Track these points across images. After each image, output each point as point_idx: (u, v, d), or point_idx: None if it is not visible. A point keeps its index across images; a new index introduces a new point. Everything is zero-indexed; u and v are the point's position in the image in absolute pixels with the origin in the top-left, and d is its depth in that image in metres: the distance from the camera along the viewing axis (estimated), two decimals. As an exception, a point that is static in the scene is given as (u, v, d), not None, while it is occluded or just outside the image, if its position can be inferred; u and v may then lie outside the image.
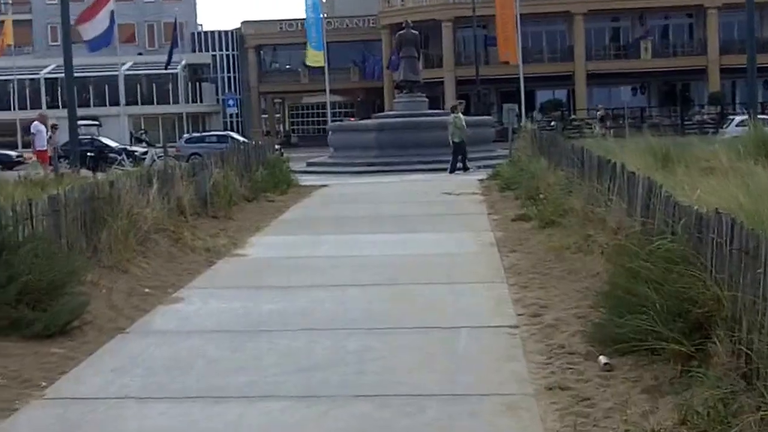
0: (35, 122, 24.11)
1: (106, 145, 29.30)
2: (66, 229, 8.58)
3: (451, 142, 23.47)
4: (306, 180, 21.16)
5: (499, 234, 11.81)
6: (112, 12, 40.56)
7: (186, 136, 42.53)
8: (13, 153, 41.45)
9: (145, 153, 23.59)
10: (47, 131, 23.67)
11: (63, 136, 25.42)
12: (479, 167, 23.60)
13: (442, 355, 6.25)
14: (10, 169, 32.70)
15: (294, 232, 12.40)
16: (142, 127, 44.09)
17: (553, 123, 47.61)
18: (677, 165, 12.22)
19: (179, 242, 10.70)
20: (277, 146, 43.39)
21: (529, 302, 7.88)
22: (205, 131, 52.69)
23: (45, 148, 23.11)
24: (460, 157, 23.61)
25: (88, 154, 20.07)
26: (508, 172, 18.02)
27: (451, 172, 23.00)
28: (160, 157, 21.46)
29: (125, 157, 18.83)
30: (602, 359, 5.94)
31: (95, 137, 33.70)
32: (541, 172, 14.66)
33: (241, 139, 39.20)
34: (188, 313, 7.72)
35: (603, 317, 6.59)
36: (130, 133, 20.79)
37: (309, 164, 28.05)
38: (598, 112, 48.20)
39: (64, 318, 6.94)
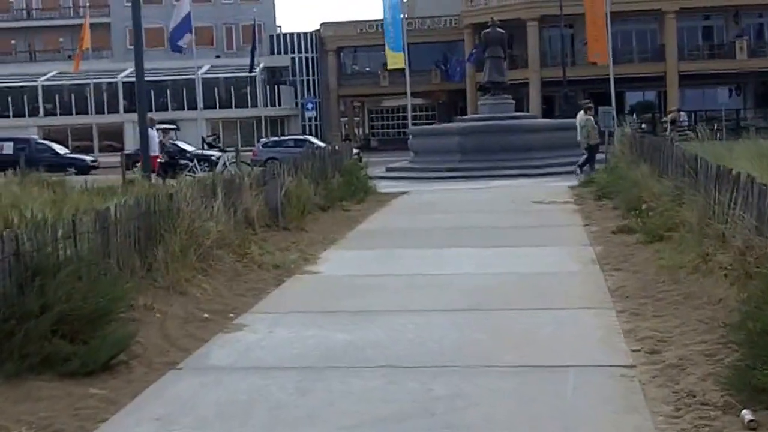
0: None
1: (182, 150, 28.57)
2: (116, 248, 7.67)
3: (585, 145, 21.76)
4: (385, 186, 20.13)
5: (599, 249, 10.62)
6: (188, 14, 40.26)
7: (263, 140, 41.87)
8: (88, 158, 41.33)
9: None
10: (158, 136, 22.78)
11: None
12: (570, 173, 22.30)
13: (547, 405, 5.16)
14: (85, 173, 32.42)
15: (370, 246, 11.36)
16: (219, 131, 43.62)
17: (643, 125, 45.79)
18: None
19: (245, 258, 9.75)
20: (355, 150, 42.63)
21: (643, 334, 6.72)
22: (283, 135, 52.12)
23: (156, 154, 22.16)
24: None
25: (158, 160, 19.31)
26: (604, 178, 16.74)
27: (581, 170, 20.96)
28: (233, 162, 20.62)
29: (197, 163, 18.06)
30: (746, 414, 4.79)
31: (173, 141, 33.15)
32: (643, 180, 13.38)
33: (319, 143, 38.40)
34: (250, 343, 6.73)
35: (739, 358, 5.46)
36: (201, 137, 20.24)
37: (389, 169, 27.03)
38: (670, 114, 46.15)
39: (107, 352, 6.01)
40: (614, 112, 29.80)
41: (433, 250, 10.75)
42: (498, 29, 27.77)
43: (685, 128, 38.61)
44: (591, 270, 9.39)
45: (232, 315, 7.63)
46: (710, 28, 59.11)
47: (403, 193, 18.83)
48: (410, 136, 29.14)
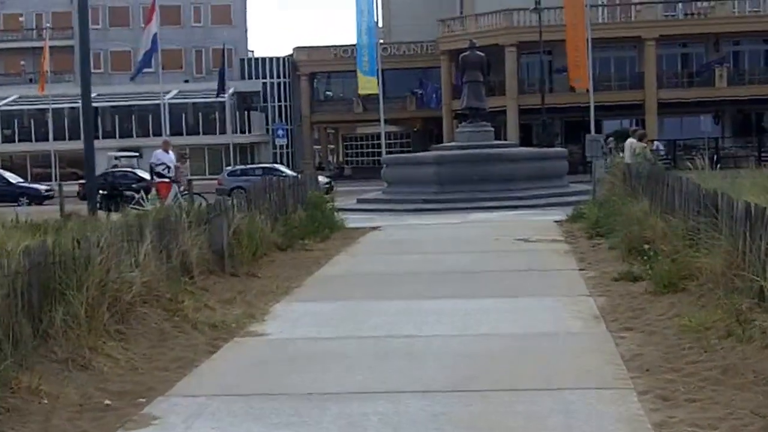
0: (158, 151, 21.34)
1: (139, 178, 26.60)
2: (-5, 311, 5.93)
3: None
4: (355, 220, 18.36)
5: (601, 301, 8.95)
6: (155, 35, 38.59)
7: (228, 168, 40.07)
8: (42, 187, 39.35)
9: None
10: (175, 160, 20.95)
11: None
12: (554, 205, 20.73)
13: None
14: (39, 203, 30.52)
15: (331, 296, 9.59)
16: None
17: (622, 154, 44.34)
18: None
19: (177, 315, 7.99)
20: (326, 180, 40.91)
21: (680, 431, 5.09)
22: (253, 163, 50.34)
23: (167, 181, 20.24)
24: None
25: (100, 191, 17.48)
26: (595, 213, 15.10)
27: None
28: (185, 194, 18.80)
29: (144, 195, 16.38)
30: None
31: (134, 170, 31.35)
32: (643, 217, 11.74)
33: (289, 172, 36.65)
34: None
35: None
36: (150, 165, 18.58)
37: (360, 201, 25.24)
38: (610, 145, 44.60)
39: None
40: (603, 141, 28.22)
41: (406, 303, 9.01)
42: (477, 52, 26.17)
43: (663, 158, 37.27)
44: (596, 330, 7.72)
45: (142, 400, 5.88)
46: (689, 55, 58.07)
47: (374, 228, 17.04)
48: (384, 166, 27.32)
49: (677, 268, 8.93)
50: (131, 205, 16.45)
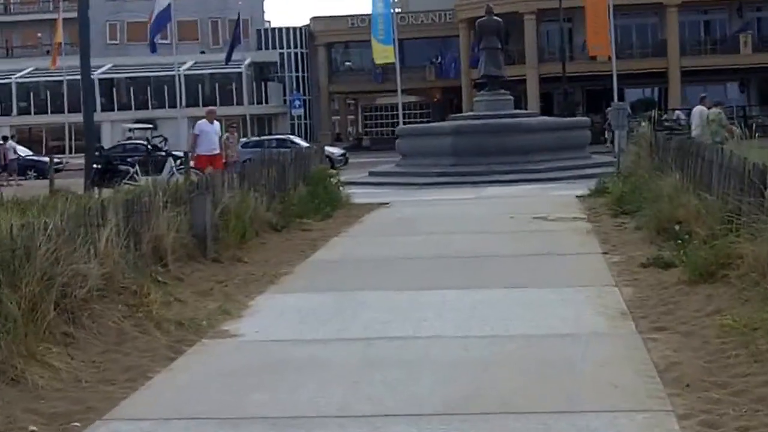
0: (201, 121, 19.43)
1: (152, 149, 25.38)
2: None
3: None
4: (364, 194, 17.24)
5: (628, 292, 7.85)
6: (168, 5, 37.50)
7: (243, 140, 38.89)
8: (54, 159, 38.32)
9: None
10: (222, 132, 19.65)
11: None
12: (575, 178, 19.55)
13: None
14: (47, 177, 29.57)
15: (322, 286, 8.52)
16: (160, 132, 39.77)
17: (643, 124, 42.96)
18: None
19: (140, 311, 6.96)
20: (341, 150, 39.75)
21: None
22: (271, 134, 49.22)
23: (214, 153, 18.74)
24: None
25: (93, 165, 16.46)
26: (619, 188, 13.95)
27: None
28: (180, 169, 17.66)
29: (138, 170, 15.37)
30: None
31: (150, 141, 30.18)
32: (674, 193, 10.60)
33: (303, 143, 35.52)
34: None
35: None
36: (146, 138, 17.64)
37: (372, 174, 24.08)
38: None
39: None
40: (629, 109, 26.84)
41: (405, 295, 7.94)
42: (494, 17, 24.87)
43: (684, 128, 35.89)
44: (623, 330, 6.64)
45: (76, 425, 4.87)
46: (712, 22, 56.43)
47: (383, 204, 15.91)
48: (398, 137, 26.08)
49: (715, 255, 7.81)
50: (125, 181, 15.49)
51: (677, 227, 9.65)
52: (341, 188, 15.59)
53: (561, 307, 7.36)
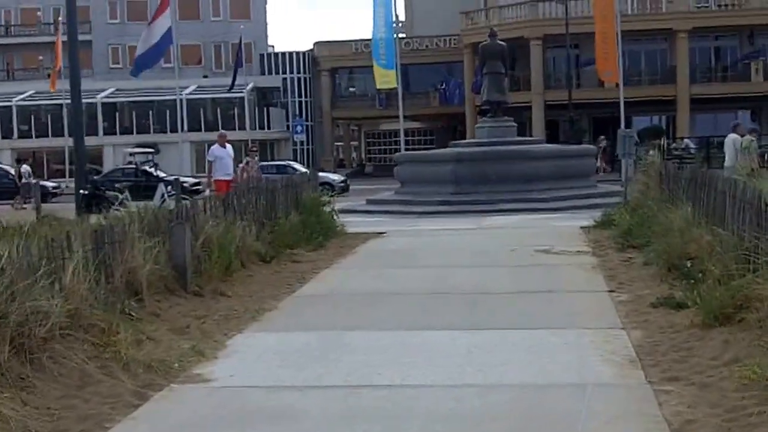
0: (214, 146, 19.35)
1: (147, 174, 24.89)
2: None
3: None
4: (359, 224, 16.68)
5: (637, 335, 7.27)
6: (169, 29, 36.86)
7: (241, 165, 38.45)
8: (50, 184, 37.96)
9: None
10: (243, 157, 19.19)
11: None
12: (580, 207, 18.98)
13: None
14: (44, 201, 29.09)
15: (307, 324, 7.93)
16: (151, 155, 38.92)
17: (651, 153, 42.44)
18: None
19: (107, 351, 6.40)
20: (342, 177, 39.18)
21: None
22: (273, 160, 48.73)
23: (228, 178, 18.50)
24: None
25: (80, 191, 15.94)
26: (626, 220, 13.38)
27: None
28: (172, 194, 17.12)
29: (128, 195, 14.88)
30: None
31: (139, 167, 29.73)
32: (685, 227, 10.03)
33: (302, 169, 35.00)
34: None
35: None
36: (135, 163, 17.16)
37: (369, 201, 23.48)
38: (601, 144, 42.89)
39: None
40: (636, 137, 26.25)
41: (395, 336, 7.35)
42: (497, 41, 24.35)
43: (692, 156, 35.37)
44: (632, 380, 6.05)
45: (9, 490, 4.30)
46: (722, 48, 55.89)
47: (379, 233, 15.33)
48: (396, 163, 25.44)
49: (731, 296, 7.22)
50: (114, 207, 14.96)
51: (689, 264, 9.09)
52: (336, 217, 15.01)
53: (563, 352, 6.78)
